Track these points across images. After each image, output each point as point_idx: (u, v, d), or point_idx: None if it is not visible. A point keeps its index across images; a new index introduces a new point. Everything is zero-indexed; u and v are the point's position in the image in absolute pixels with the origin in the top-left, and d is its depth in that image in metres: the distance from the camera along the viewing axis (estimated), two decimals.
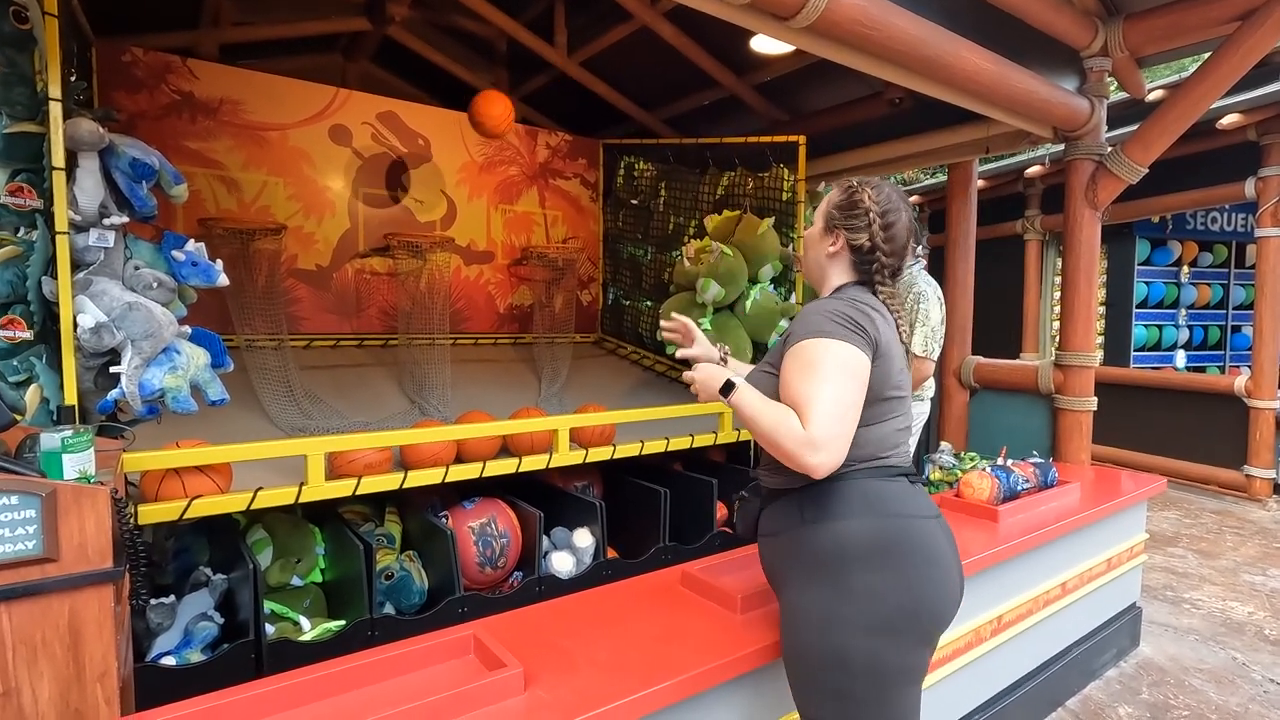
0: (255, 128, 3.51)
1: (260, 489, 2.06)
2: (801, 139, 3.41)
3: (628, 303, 4.59)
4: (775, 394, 1.29)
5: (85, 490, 1.19)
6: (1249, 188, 5.06)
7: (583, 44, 4.09)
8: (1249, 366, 5.17)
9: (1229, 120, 4.77)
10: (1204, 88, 3.06)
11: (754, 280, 3.47)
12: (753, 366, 1.57)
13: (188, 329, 2.01)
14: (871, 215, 1.33)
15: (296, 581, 2.43)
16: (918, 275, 2.78)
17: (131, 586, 1.39)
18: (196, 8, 3.62)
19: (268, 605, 2.21)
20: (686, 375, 1.41)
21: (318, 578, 2.51)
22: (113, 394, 1.79)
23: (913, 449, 2.67)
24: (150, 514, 1.88)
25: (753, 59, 3.96)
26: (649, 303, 4.32)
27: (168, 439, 2.07)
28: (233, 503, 2.02)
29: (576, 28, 4.10)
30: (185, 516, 1.93)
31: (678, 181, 4.18)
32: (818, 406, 1.18)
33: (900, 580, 1.21)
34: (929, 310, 2.69)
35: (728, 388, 1.30)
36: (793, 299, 3.47)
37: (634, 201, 4.53)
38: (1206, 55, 3.15)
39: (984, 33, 2.72)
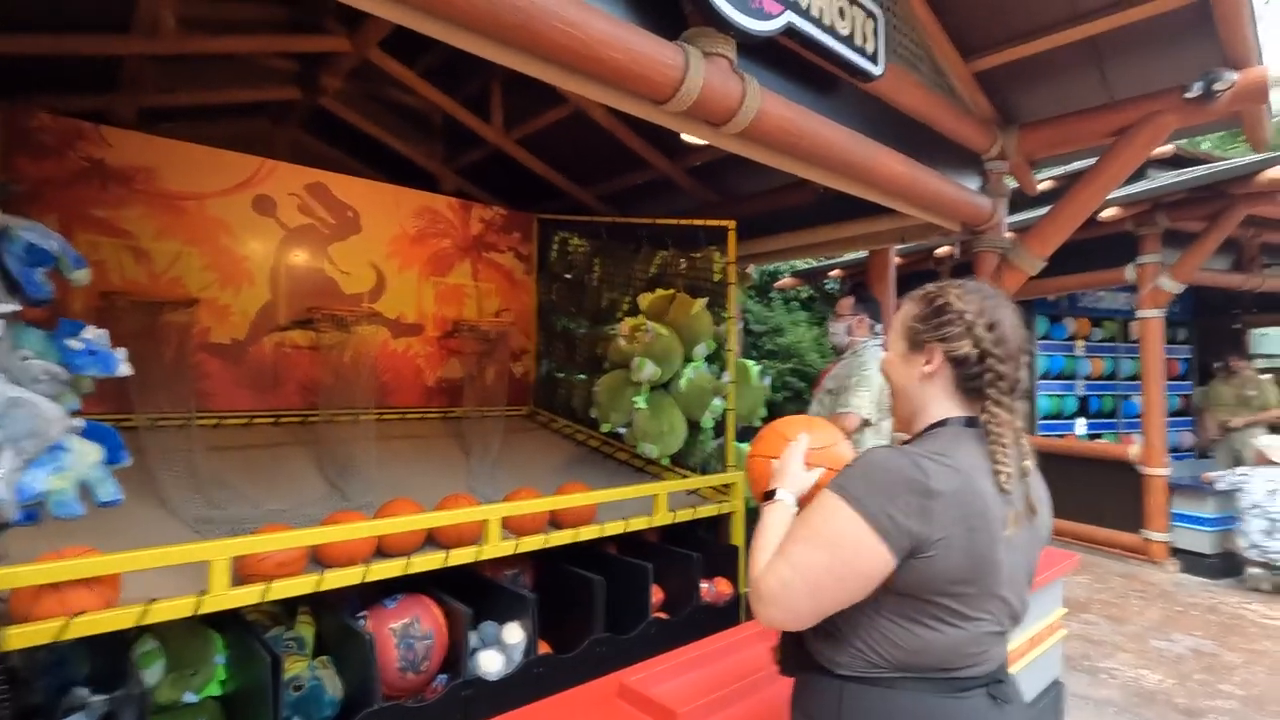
0: (171, 196, 3.36)
1: (154, 600, 1.87)
2: (732, 224, 3.52)
3: (561, 375, 4.55)
4: None
5: None
6: (1129, 272, 5.59)
7: (519, 123, 4.17)
8: (1141, 434, 5.58)
9: (1108, 214, 5.27)
10: (1090, 191, 3.39)
11: (688, 359, 3.51)
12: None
13: (80, 422, 1.84)
14: (968, 317, 1.09)
15: (190, 698, 2.19)
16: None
17: None
18: (115, 71, 3.49)
19: None
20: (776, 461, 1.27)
21: (216, 690, 2.27)
22: None
23: None
24: (21, 637, 1.67)
25: (684, 144, 4.13)
26: (582, 376, 4.30)
27: (47, 545, 1.86)
28: (120, 619, 1.82)
29: (512, 107, 4.18)
30: (63, 637, 1.72)
31: (611, 258, 4.24)
32: (781, 560, 1.05)
33: None
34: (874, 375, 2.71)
35: (770, 495, 1.18)
36: (725, 377, 3.51)
37: (567, 276, 4.56)
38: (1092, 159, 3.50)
39: (898, 136, 2.94)
